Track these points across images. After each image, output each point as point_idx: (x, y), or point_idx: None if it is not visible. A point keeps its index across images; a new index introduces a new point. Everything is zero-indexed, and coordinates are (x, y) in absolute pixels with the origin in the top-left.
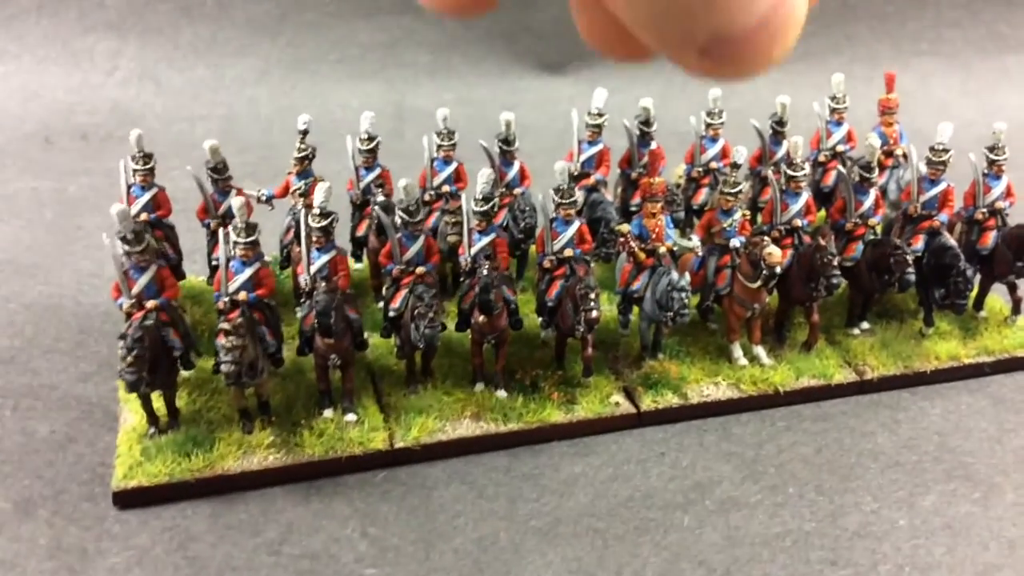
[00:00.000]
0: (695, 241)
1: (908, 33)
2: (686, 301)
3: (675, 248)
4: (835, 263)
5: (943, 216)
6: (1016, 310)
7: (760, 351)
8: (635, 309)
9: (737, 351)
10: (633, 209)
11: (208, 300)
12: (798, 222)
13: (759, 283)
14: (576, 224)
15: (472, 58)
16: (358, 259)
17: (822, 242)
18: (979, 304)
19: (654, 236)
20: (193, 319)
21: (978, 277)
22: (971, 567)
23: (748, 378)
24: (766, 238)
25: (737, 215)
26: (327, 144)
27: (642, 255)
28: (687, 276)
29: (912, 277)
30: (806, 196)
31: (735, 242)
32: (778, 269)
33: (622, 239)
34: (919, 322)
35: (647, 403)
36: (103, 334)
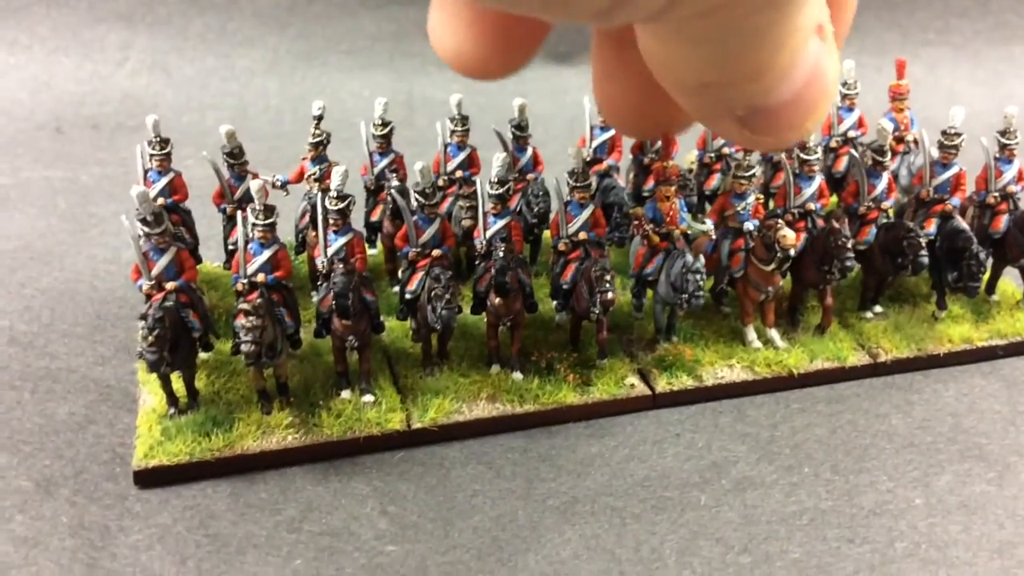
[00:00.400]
0: (708, 225)
1: (917, 22)
2: (700, 283)
3: (689, 231)
4: (849, 246)
5: (955, 200)
6: None
7: (774, 334)
8: (649, 292)
9: (751, 334)
10: (645, 194)
11: (224, 285)
12: (811, 205)
13: (773, 266)
14: (590, 207)
15: None
16: (372, 244)
17: (836, 225)
18: (991, 288)
19: (668, 219)
20: (210, 303)
21: (990, 261)
22: (987, 544)
23: (762, 360)
24: (780, 221)
25: (750, 199)
26: (338, 133)
27: (656, 238)
28: (701, 259)
29: (925, 260)
30: (819, 180)
31: (749, 225)
32: (792, 252)
33: (636, 222)
34: (932, 305)
35: (662, 385)
36: (119, 318)
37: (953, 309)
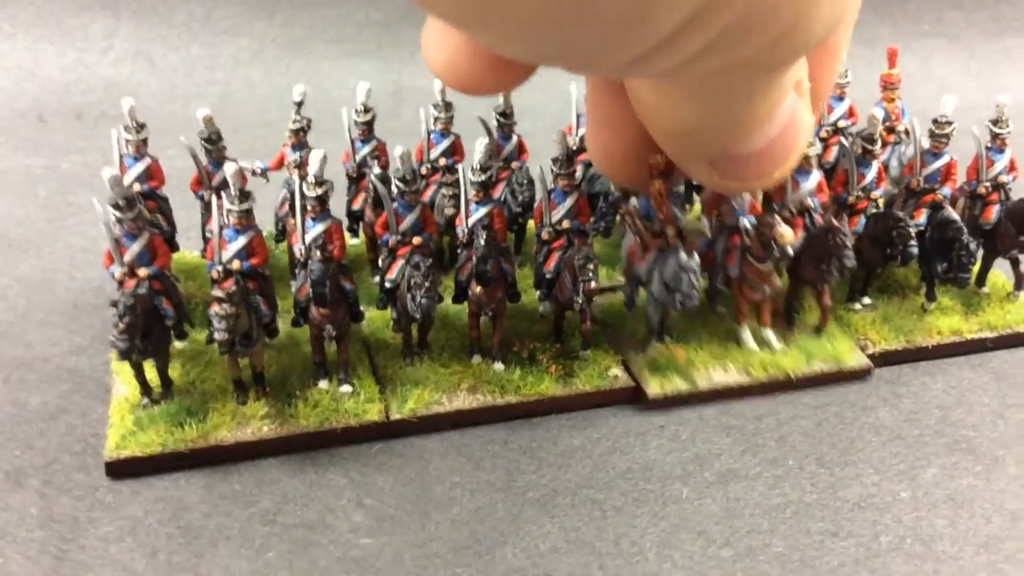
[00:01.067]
0: (703, 222)
1: (910, 14)
2: (695, 283)
3: (682, 228)
4: (848, 244)
5: (946, 189)
6: (1019, 285)
7: (770, 335)
8: (641, 291)
9: (746, 334)
10: None
11: (202, 274)
12: (809, 201)
13: (770, 265)
14: (575, 195)
15: None
16: (355, 233)
17: (835, 222)
18: (981, 280)
19: (661, 215)
20: (187, 292)
21: (981, 252)
22: (973, 539)
23: (758, 363)
24: (777, 217)
25: (746, 194)
26: (323, 123)
27: (648, 235)
28: (696, 257)
29: (915, 250)
30: (818, 175)
31: (745, 222)
32: (790, 250)
33: (628, 217)
34: (921, 297)
35: (654, 388)
36: (96, 308)
37: (943, 301)
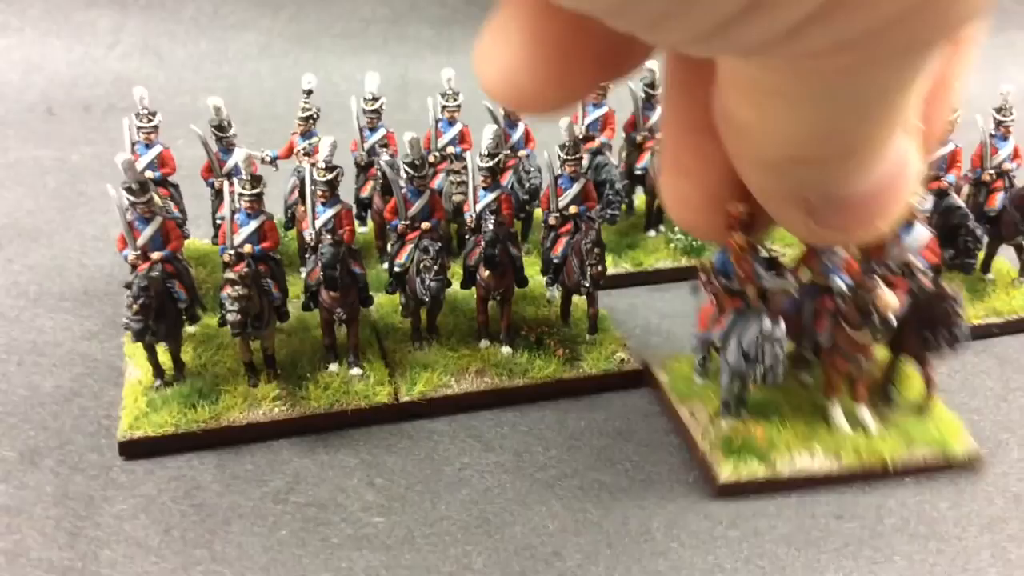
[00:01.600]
0: (789, 279)
1: None
2: (779, 354)
3: (766, 288)
4: (962, 312)
5: (951, 177)
6: None
7: (865, 413)
8: (715, 356)
9: (837, 412)
10: (638, 172)
11: (213, 261)
12: (915, 260)
13: (868, 333)
14: (581, 181)
15: (474, 32)
16: (363, 221)
17: (946, 288)
18: (986, 266)
19: (741, 274)
20: (198, 278)
21: (986, 239)
22: (976, 520)
23: (850, 446)
24: (878, 279)
25: (840, 250)
26: (330, 115)
27: (725, 295)
28: (781, 324)
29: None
30: (924, 232)
31: (839, 283)
32: (892, 318)
33: (703, 276)
34: None
35: (726, 474)
36: (107, 294)
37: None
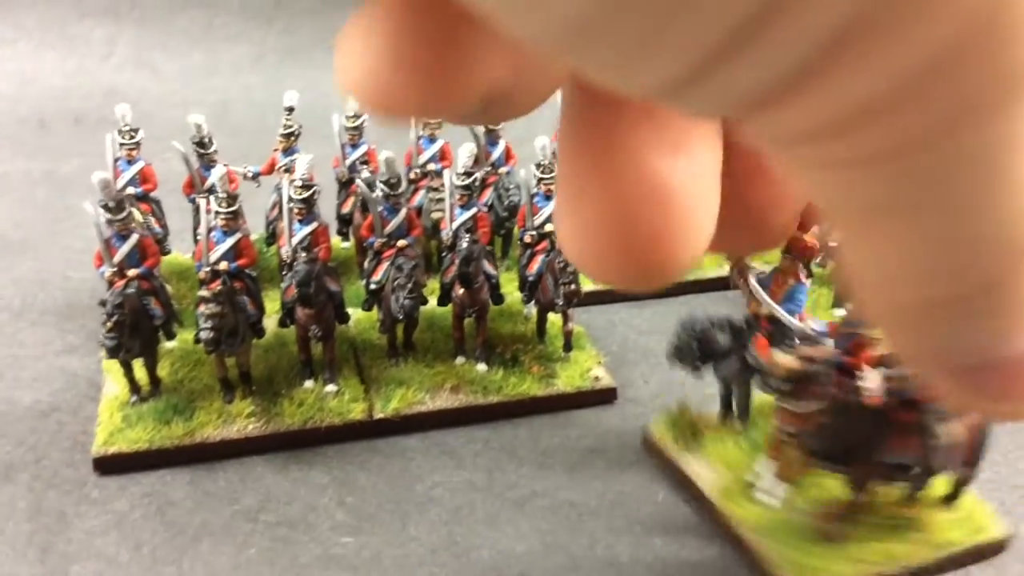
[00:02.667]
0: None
1: None
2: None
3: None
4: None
5: None
6: None
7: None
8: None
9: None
10: None
11: (194, 276)
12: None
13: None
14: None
15: None
16: (344, 237)
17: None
18: None
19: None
20: (179, 294)
21: None
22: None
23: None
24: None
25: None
26: (319, 129)
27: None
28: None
29: None
30: None
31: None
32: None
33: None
34: None
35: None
36: (90, 308)
37: None
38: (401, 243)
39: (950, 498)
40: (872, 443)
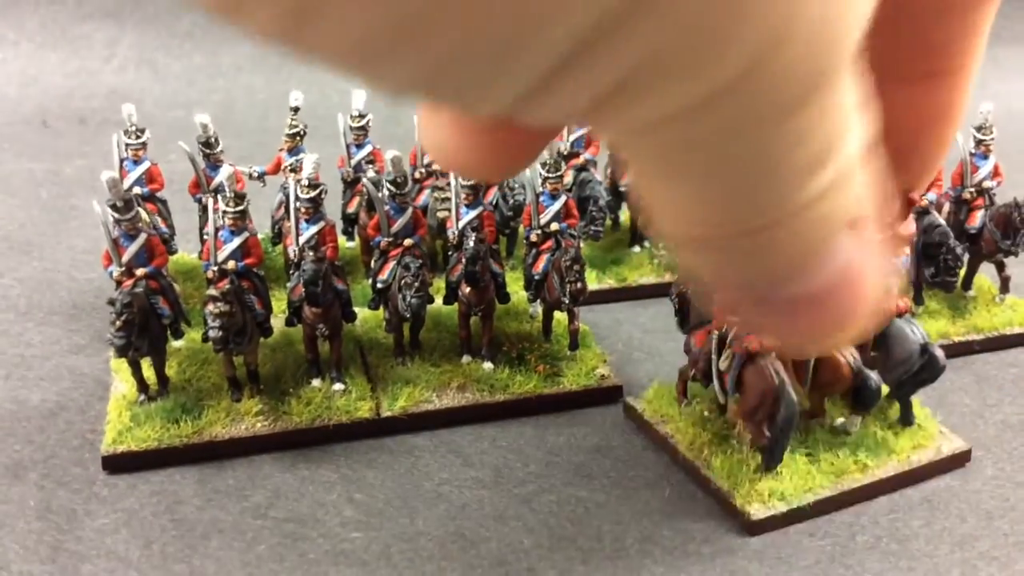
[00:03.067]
0: None
1: None
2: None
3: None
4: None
5: (931, 195)
6: (1004, 289)
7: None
8: None
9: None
10: (623, 189)
11: (200, 276)
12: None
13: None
14: (563, 198)
15: None
16: (350, 237)
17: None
18: (967, 284)
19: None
20: (185, 294)
21: (966, 256)
22: (948, 538)
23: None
24: None
25: None
26: (322, 129)
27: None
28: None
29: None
30: None
31: None
32: None
33: None
34: (909, 301)
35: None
36: (96, 308)
37: (930, 305)
38: (407, 242)
39: (904, 420)
40: None
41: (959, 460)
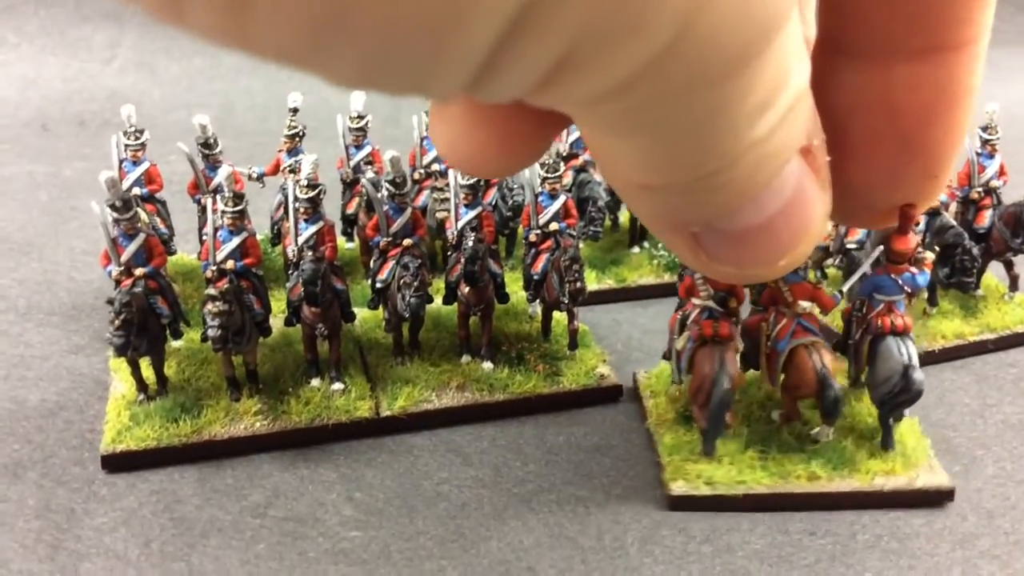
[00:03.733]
0: None
1: None
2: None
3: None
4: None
5: (942, 195)
6: (1014, 287)
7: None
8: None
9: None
10: None
11: (199, 276)
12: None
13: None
14: (562, 198)
15: None
16: (349, 237)
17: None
18: (976, 283)
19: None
20: (184, 294)
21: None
22: (949, 536)
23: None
24: None
25: None
26: (321, 131)
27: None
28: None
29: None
30: None
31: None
32: None
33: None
34: (922, 303)
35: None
36: (95, 308)
37: (942, 305)
38: (406, 242)
39: (884, 443)
40: None
41: (935, 498)
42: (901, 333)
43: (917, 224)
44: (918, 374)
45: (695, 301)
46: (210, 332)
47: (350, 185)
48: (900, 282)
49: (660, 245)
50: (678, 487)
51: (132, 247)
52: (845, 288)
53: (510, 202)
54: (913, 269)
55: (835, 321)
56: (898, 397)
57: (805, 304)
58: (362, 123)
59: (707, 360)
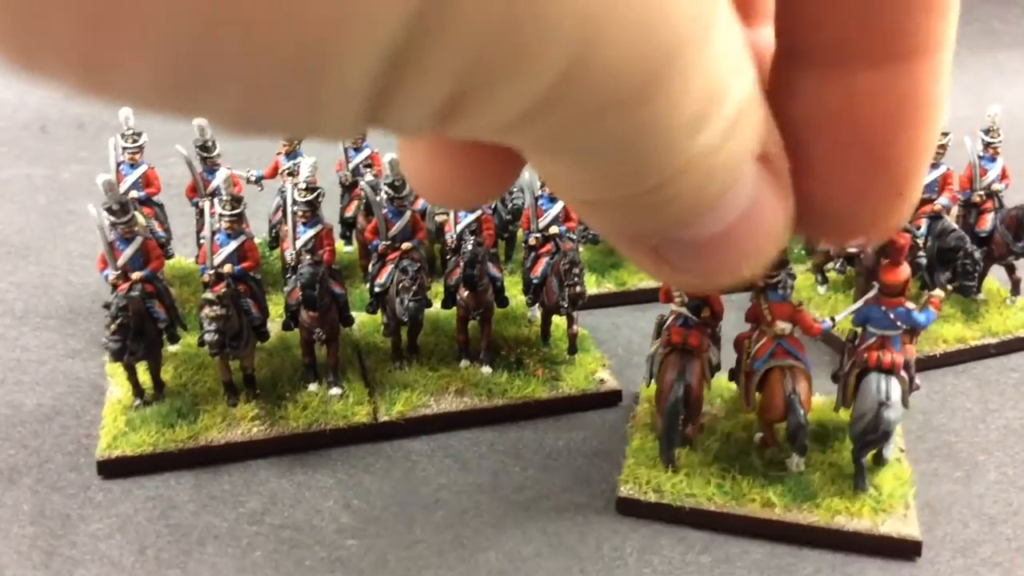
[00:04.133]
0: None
1: None
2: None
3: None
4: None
5: (944, 199)
6: (1016, 291)
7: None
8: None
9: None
10: None
11: (197, 279)
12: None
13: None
14: (561, 202)
15: None
16: (348, 241)
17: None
18: (978, 287)
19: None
20: (182, 298)
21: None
22: (950, 544)
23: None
24: None
25: None
26: None
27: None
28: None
29: (923, 260)
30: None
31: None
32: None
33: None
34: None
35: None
36: (92, 312)
37: (943, 309)
38: (405, 246)
39: (856, 483)
40: None
41: (900, 549)
42: (887, 370)
43: (919, 228)
44: (890, 413)
45: (672, 307)
46: (207, 336)
47: (349, 188)
48: (892, 316)
49: None
50: (626, 489)
51: (129, 251)
52: (839, 317)
53: (509, 205)
54: (910, 304)
55: None
56: (867, 436)
57: (784, 325)
58: None
59: (671, 368)
